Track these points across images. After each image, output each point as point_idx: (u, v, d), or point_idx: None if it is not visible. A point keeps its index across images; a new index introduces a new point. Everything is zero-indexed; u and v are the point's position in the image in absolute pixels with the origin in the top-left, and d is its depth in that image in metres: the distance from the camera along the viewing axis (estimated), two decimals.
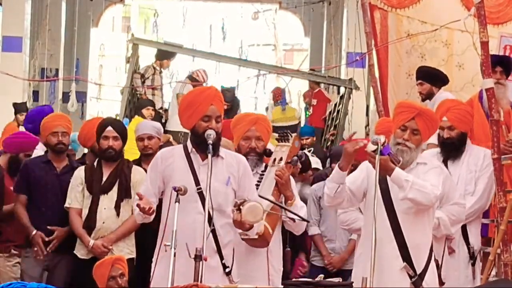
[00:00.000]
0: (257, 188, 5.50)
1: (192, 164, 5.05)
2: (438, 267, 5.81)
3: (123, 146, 6.60)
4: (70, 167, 6.74)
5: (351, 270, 7.21)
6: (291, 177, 5.65)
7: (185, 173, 5.02)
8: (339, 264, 7.28)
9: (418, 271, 5.19)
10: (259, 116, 5.93)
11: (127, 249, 6.39)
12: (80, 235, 6.37)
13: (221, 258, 5.03)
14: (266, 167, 5.65)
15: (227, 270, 5.04)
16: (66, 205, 6.48)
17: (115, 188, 6.36)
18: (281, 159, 5.58)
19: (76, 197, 6.45)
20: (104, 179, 6.42)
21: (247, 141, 5.62)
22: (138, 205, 4.85)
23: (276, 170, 5.48)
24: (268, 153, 5.68)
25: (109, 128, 6.50)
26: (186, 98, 5.21)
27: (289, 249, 7.26)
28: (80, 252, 6.41)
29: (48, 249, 6.52)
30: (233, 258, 5.11)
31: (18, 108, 12.71)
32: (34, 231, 6.52)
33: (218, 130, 5.04)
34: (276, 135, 6.22)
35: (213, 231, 4.96)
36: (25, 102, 13.01)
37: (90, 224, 6.37)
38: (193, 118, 5.06)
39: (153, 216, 5.01)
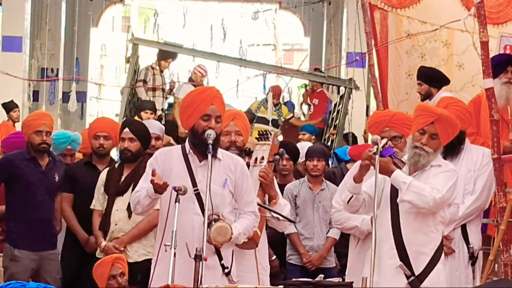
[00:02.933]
0: None
1: (190, 165, 5.03)
2: None
3: (143, 148, 6.59)
4: (53, 162, 6.74)
5: (329, 268, 7.27)
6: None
7: (183, 175, 5.00)
8: (318, 261, 7.29)
9: (417, 272, 5.17)
10: (237, 111, 5.91)
11: (143, 250, 6.38)
12: (96, 237, 6.48)
13: (220, 258, 5.02)
14: (247, 166, 5.64)
15: (226, 270, 5.03)
16: (91, 206, 6.57)
17: (130, 190, 6.31)
18: (262, 158, 5.58)
19: (99, 198, 6.55)
20: (122, 180, 6.47)
21: (226, 136, 5.56)
22: (152, 181, 4.80)
23: (260, 170, 5.47)
24: (248, 152, 5.66)
25: (126, 129, 6.53)
26: (186, 98, 5.16)
27: (275, 257, 7.30)
28: (98, 252, 6.49)
29: None
30: (232, 258, 5.10)
31: (8, 106, 12.74)
32: None
33: (218, 130, 5.01)
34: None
35: None
36: (12, 100, 13.02)
37: (105, 225, 6.44)
38: (193, 117, 5.02)
39: (157, 201, 4.98)
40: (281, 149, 5.72)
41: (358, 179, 5.20)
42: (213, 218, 4.83)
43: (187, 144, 5.11)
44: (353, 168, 5.46)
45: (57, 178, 6.69)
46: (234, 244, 5.10)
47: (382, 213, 5.18)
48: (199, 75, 12.54)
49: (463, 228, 6.31)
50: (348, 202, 5.30)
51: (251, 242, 5.33)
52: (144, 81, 12.46)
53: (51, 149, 6.87)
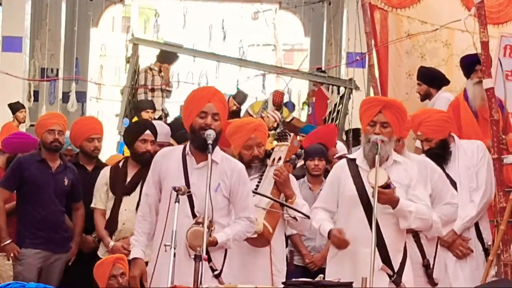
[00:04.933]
0: (256, 189, 5.51)
1: (186, 167, 5.03)
2: (429, 268, 5.84)
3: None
4: (63, 166, 6.76)
5: None
6: (292, 176, 5.66)
7: (177, 176, 5.01)
8: (321, 262, 7.28)
9: (396, 269, 5.18)
10: (257, 122, 5.90)
11: (149, 251, 6.36)
12: (102, 237, 6.46)
13: (209, 261, 4.99)
14: (265, 167, 5.67)
15: (215, 273, 5.03)
16: (92, 205, 6.55)
17: (138, 189, 6.29)
18: (279, 158, 5.60)
19: (101, 197, 6.51)
20: (128, 180, 6.44)
21: (249, 150, 5.63)
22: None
23: (274, 169, 5.48)
24: (268, 154, 5.69)
25: (148, 132, 6.51)
26: (187, 98, 5.18)
27: (293, 249, 7.29)
28: (101, 252, 6.48)
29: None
30: (224, 261, 5.09)
31: (14, 107, 12.75)
32: (9, 241, 6.57)
33: (216, 128, 4.98)
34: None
35: None
36: (18, 101, 13.04)
37: (111, 225, 6.42)
38: (191, 115, 5.03)
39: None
40: (299, 150, 5.74)
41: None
42: (197, 221, 4.81)
43: (188, 144, 5.12)
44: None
45: (66, 182, 6.72)
46: (225, 248, 5.09)
47: (353, 214, 5.17)
48: (272, 120, 12.27)
49: (476, 226, 6.33)
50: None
51: (262, 239, 5.34)
52: (145, 85, 12.45)
53: None
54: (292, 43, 30.86)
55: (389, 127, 5.20)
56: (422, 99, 7.96)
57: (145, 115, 10.76)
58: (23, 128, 12.77)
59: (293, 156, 5.67)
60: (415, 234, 5.78)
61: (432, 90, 7.86)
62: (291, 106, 13.90)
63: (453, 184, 6.28)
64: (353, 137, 11.96)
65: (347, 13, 14.68)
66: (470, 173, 6.33)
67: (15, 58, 14.37)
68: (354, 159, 5.35)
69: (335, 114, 12.79)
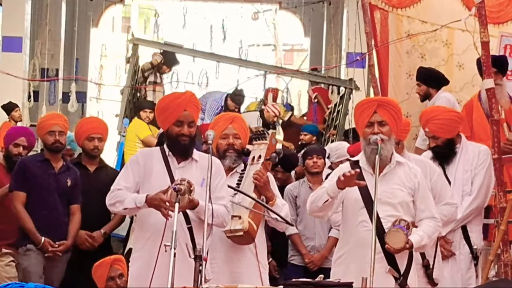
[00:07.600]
0: (238, 187, 5.62)
1: (169, 166, 5.22)
2: (429, 268, 5.84)
3: None
4: (66, 167, 6.78)
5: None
6: (270, 176, 5.69)
7: (162, 175, 5.17)
8: (320, 261, 7.29)
9: (402, 271, 5.17)
10: (235, 115, 6.04)
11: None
12: None
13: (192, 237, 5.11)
14: (245, 166, 5.69)
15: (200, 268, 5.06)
16: None
17: None
18: (259, 156, 5.65)
19: None
20: None
21: (225, 139, 5.72)
22: (162, 199, 4.91)
23: (253, 173, 5.51)
24: (247, 153, 5.73)
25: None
26: (162, 102, 5.39)
27: (272, 260, 7.31)
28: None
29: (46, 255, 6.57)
30: (207, 255, 5.13)
31: (8, 107, 12.77)
32: (42, 239, 6.55)
33: (192, 133, 5.21)
34: None
35: (190, 229, 5.09)
36: (10, 101, 13.05)
37: None
38: (167, 122, 5.25)
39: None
40: (279, 148, 5.77)
41: (342, 188, 5.09)
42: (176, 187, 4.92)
43: (165, 146, 5.30)
44: (339, 169, 5.41)
45: (69, 182, 6.74)
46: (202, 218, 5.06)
47: (357, 217, 5.16)
48: (272, 114, 12.15)
49: (464, 229, 6.31)
50: (323, 204, 5.15)
51: (247, 237, 5.39)
52: (145, 77, 12.43)
53: None
54: (292, 43, 30.83)
55: (386, 125, 5.20)
56: (422, 100, 7.97)
57: (143, 114, 10.82)
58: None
59: (273, 154, 5.67)
60: None
61: (432, 90, 7.86)
62: (288, 107, 13.85)
63: (448, 184, 6.28)
64: (353, 137, 11.98)
65: (347, 13, 14.68)
66: (466, 177, 6.34)
67: (15, 58, 14.37)
68: (357, 161, 5.33)
69: (335, 114, 12.78)
